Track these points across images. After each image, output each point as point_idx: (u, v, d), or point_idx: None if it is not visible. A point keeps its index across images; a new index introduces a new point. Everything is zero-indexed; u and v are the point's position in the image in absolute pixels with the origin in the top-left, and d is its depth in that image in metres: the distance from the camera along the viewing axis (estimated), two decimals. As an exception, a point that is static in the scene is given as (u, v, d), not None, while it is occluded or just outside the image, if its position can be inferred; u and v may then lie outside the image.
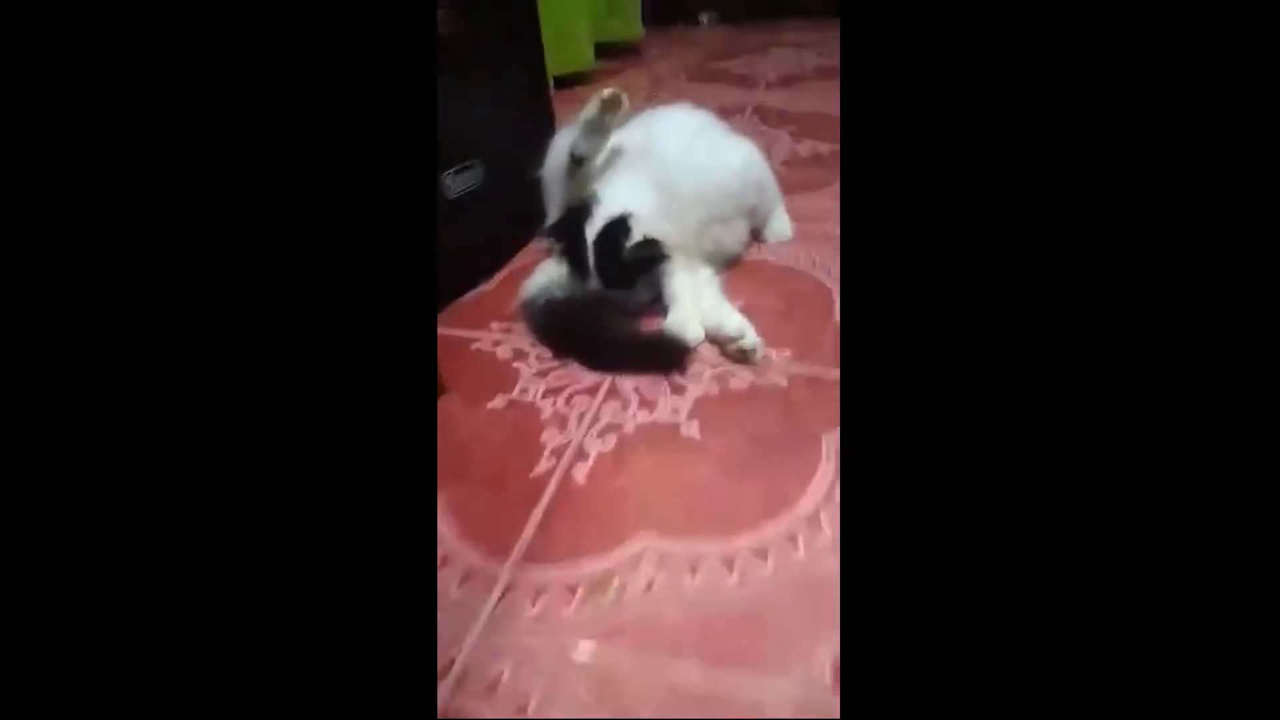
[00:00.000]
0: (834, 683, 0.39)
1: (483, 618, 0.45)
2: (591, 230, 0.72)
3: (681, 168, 0.77)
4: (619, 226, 0.72)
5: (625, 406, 0.62)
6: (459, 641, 0.43)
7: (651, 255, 0.72)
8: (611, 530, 0.50)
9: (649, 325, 0.72)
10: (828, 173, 1.07)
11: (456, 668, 0.42)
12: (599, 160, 0.77)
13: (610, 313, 0.73)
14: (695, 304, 0.71)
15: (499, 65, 0.81)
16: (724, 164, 0.80)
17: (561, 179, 0.78)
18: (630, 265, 0.72)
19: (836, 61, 1.70)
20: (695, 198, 0.76)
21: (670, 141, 0.80)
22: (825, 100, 1.43)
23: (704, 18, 2.44)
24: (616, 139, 0.78)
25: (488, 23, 0.78)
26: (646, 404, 0.62)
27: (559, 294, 0.74)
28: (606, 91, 0.71)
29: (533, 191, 0.84)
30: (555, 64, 1.36)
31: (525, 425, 0.61)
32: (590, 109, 0.72)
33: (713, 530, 0.49)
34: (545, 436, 0.59)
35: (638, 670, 0.41)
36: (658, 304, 0.74)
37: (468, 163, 0.78)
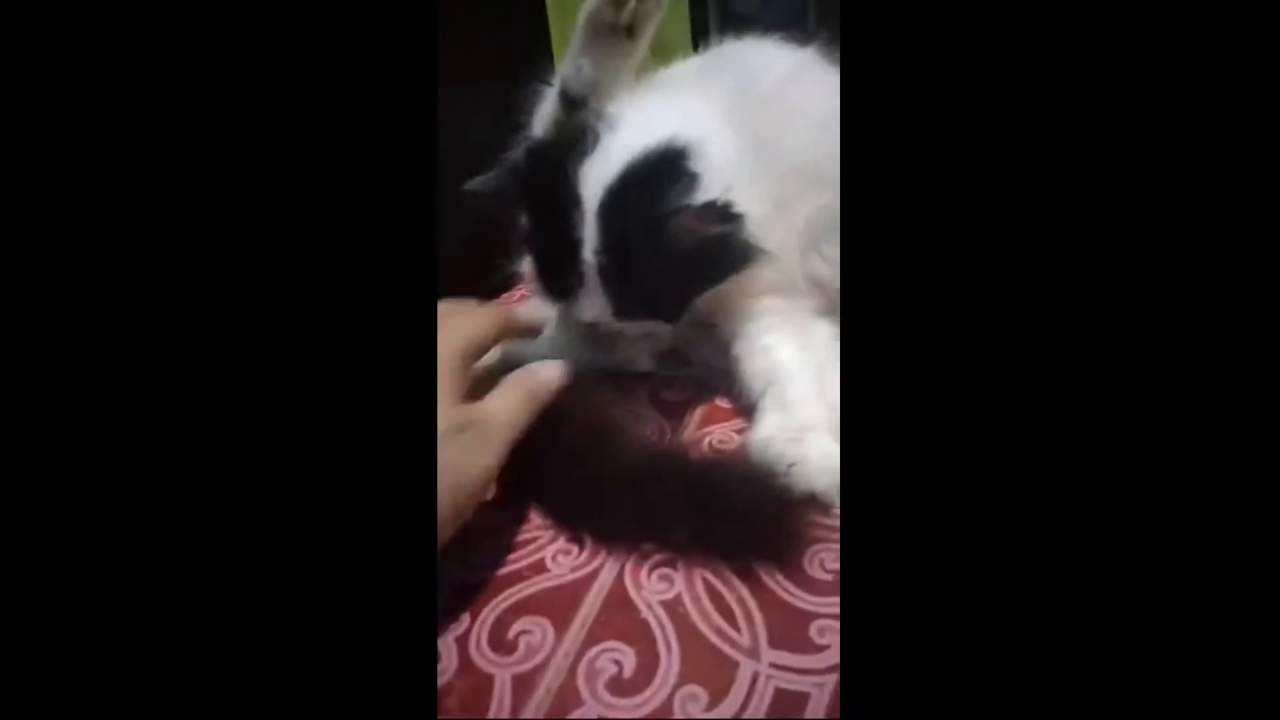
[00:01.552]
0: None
1: None
2: (595, 177, 0.39)
3: (790, 105, 0.45)
4: (662, 169, 0.39)
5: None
6: None
7: (736, 244, 0.39)
8: None
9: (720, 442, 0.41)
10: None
11: None
12: (612, 104, 0.44)
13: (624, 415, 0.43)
14: (819, 402, 0.39)
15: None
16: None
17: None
18: (686, 259, 0.39)
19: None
20: (812, 167, 0.43)
21: (770, 63, 0.47)
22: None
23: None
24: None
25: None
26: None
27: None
28: None
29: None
30: None
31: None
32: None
33: None
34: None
35: None
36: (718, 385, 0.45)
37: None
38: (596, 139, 0.41)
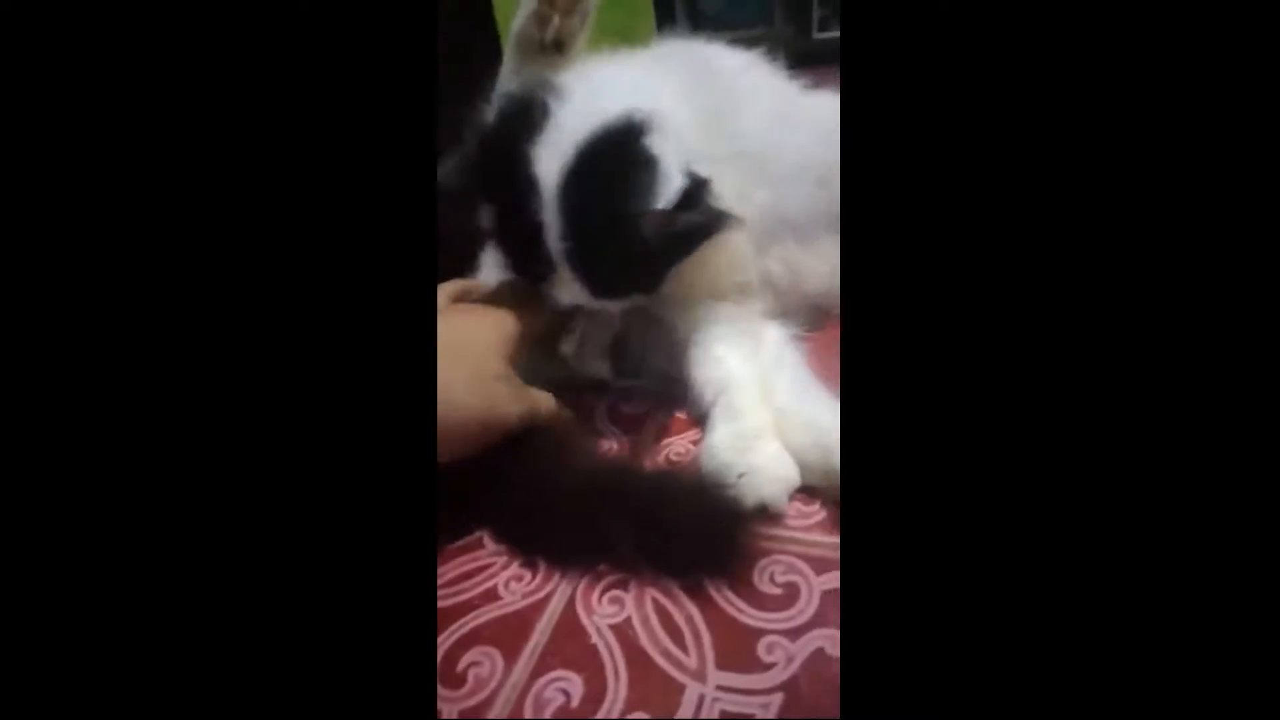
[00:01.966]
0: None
1: None
2: (549, 156, 0.38)
3: (745, 91, 0.46)
4: (620, 150, 0.37)
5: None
6: None
7: (707, 214, 0.38)
8: None
9: (652, 454, 0.42)
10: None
11: None
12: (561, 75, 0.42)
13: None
14: (766, 407, 0.38)
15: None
16: (817, 121, 0.47)
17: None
18: (663, 237, 0.38)
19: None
20: (766, 157, 0.44)
21: (722, 55, 0.48)
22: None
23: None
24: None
25: None
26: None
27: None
28: None
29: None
30: None
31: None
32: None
33: None
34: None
35: None
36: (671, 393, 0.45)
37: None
38: (546, 112, 0.39)
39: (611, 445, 0.46)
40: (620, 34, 0.48)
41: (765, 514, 0.36)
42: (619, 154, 0.38)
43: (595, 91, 0.40)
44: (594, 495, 0.37)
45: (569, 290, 0.40)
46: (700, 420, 0.43)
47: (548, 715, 0.29)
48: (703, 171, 0.38)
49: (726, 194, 0.40)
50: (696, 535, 0.34)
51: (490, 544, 0.39)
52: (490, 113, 0.44)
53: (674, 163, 0.38)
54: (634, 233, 0.37)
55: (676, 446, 0.45)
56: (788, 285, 0.47)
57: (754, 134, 0.44)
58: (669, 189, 0.37)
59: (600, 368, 0.49)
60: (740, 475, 0.36)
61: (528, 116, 0.39)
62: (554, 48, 0.41)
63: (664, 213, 0.37)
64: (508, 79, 0.43)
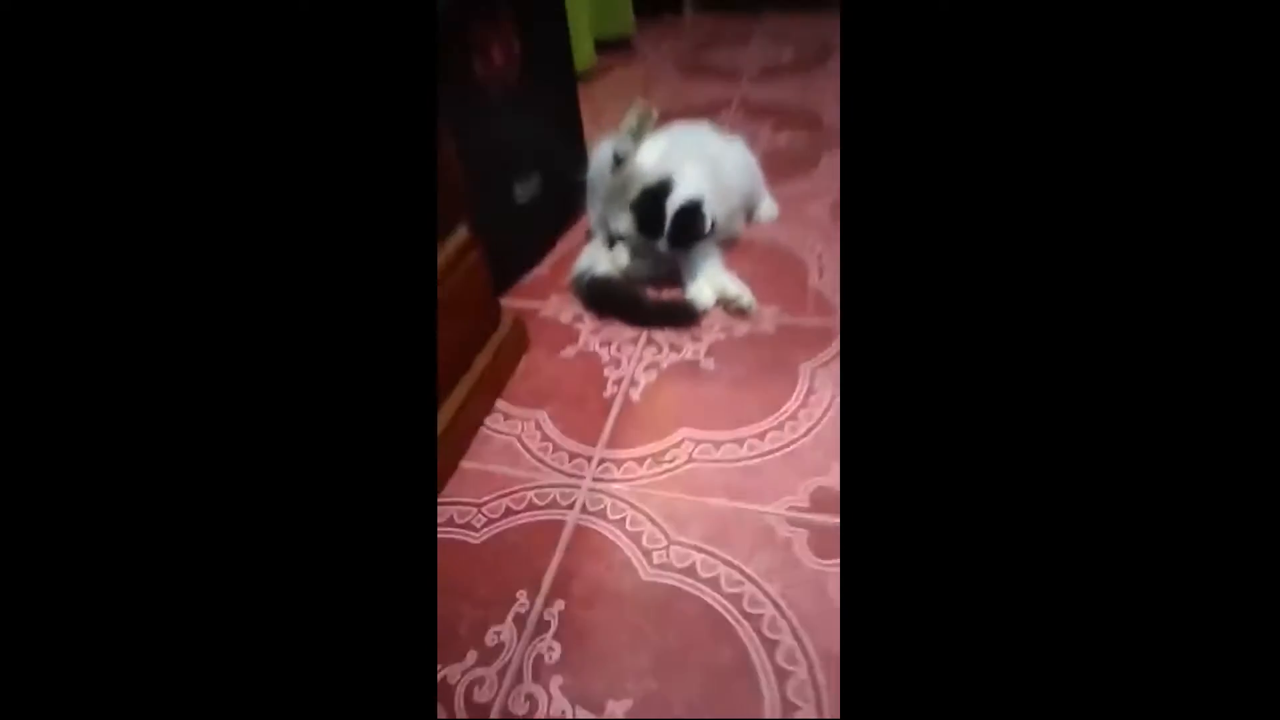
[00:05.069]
0: (809, 505, 0.65)
1: (589, 478, 0.71)
2: (672, 204, 0.91)
3: (728, 165, 1.02)
4: (695, 209, 0.92)
5: (660, 350, 0.87)
6: (576, 490, 0.69)
7: (711, 231, 0.94)
8: (661, 428, 0.76)
9: (671, 293, 0.97)
10: (804, 162, 1.31)
11: (578, 505, 0.68)
12: (635, 158, 0.99)
13: (641, 288, 0.98)
14: (706, 275, 0.96)
15: (546, 90, 1.04)
16: (745, 163, 1.06)
17: (604, 176, 1.00)
18: (698, 237, 0.94)
19: (809, 53, 1.92)
20: (734, 188, 1.02)
21: (715, 144, 1.05)
22: (801, 93, 1.65)
23: (688, 7, 2.63)
24: (665, 142, 1.00)
25: (541, 57, 1.00)
26: (675, 348, 0.87)
27: (600, 273, 0.99)
28: (640, 106, 0.95)
29: (571, 191, 1.08)
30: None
31: (592, 366, 0.86)
32: (629, 120, 0.96)
33: (727, 424, 0.75)
34: (607, 372, 0.85)
35: (686, 502, 0.67)
36: (677, 276, 0.99)
37: (529, 173, 1.02)
38: (669, 190, 0.93)
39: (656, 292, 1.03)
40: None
41: (705, 309, 0.93)
42: (693, 210, 0.91)
43: (684, 183, 0.93)
44: (652, 307, 0.94)
45: (664, 244, 0.94)
46: (683, 282, 1.00)
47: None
48: (698, 196, 0.92)
49: (711, 203, 0.94)
50: (684, 313, 0.92)
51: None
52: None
53: (683, 193, 0.92)
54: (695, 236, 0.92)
55: (677, 292, 1.02)
56: (728, 230, 1.06)
57: (736, 186, 1.01)
58: (680, 201, 0.92)
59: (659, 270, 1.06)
60: (696, 296, 0.95)
61: (664, 189, 0.92)
62: (636, 138, 0.98)
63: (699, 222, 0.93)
64: (616, 142, 0.99)
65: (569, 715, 0.53)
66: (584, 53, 1.93)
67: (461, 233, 0.75)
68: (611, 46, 2.22)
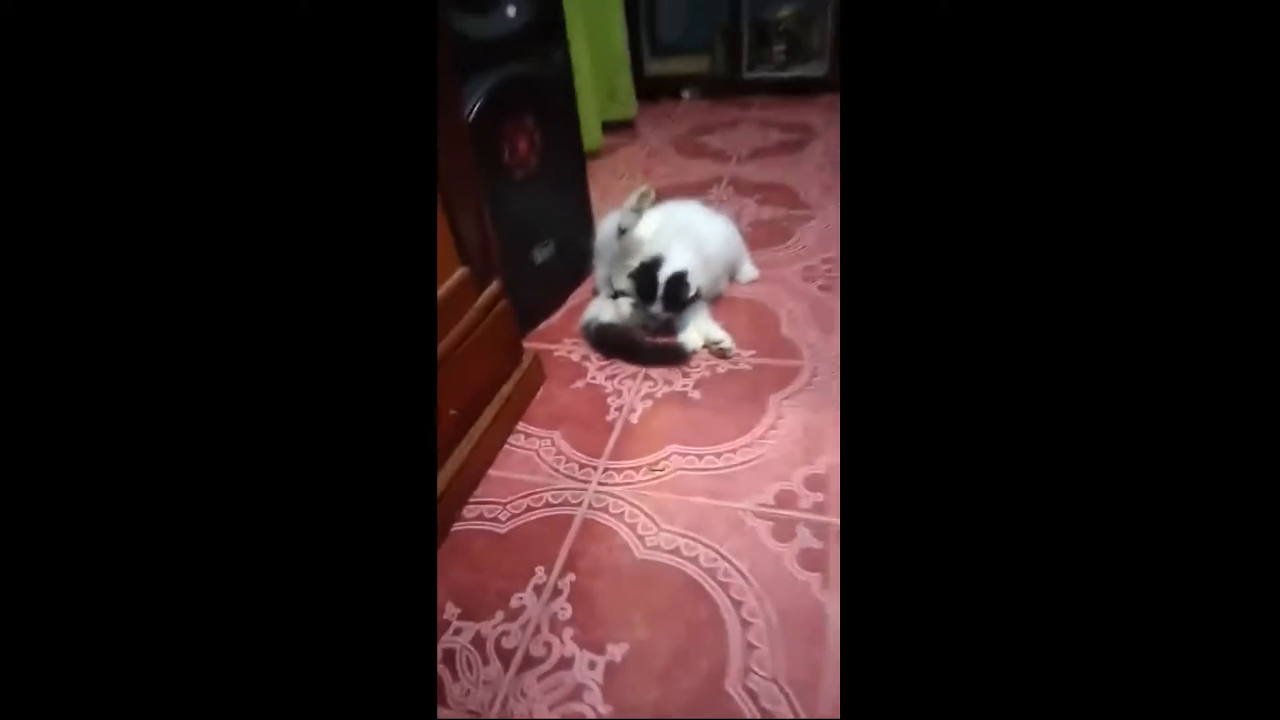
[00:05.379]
0: (773, 503, 0.81)
1: (594, 483, 0.87)
2: (663, 277, 1.10)
3: (712, 240, 1.21)
4: (680, 279, 1.10)
5: (655, 384, 1.04)
6: (584, 492, 0.85)
7: (695, 297, 1.13)
8: (654, 444, 0.93)
9: (665, 339, 1.15)
10: (782, 232, 1.52)
11: (585, 503, 0.84)
12: (635, 230, 1.19)
13: (640, 333, 1.16)
14: (695, 325, 1.15)
15: (560, 172, 1.25)
16: (728, 236, 1.26)
17: (609, 243, 1.21)
18: (685, 303, 1.12)
19: (793, 137, 2.17)
20: (716, 258, 1.21)
21: (701, 222, 1.25)
22: (784, 173, 1.89)
23: (685, 94, 2.93)
24: (660, 217, 1.21)
25: (556, 145, 1.20)
26: (667, 382, 1.04)
27: (604, 321, 1.17)
28: (642, 187, 1.16)
29: (582, 255, 1.28)
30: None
31: (597, 396, 1.04)
32: (632, 200, 1.16)
33: (709, 441, 0.92)
34: (610, 401, 1.02)
35: (674, 500, 0.83)
36: (671, 325, 1.17)
37: (546, 240, 1.22)
38: (661, 264, 1.10)
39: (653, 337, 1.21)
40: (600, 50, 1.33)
41: (693, 351, 1.12)
42: (680, 280, 1.09)
43: (672, 258, 1.11)
44: (649, 349, 1.12)
45: (658, 307, 1.11)
46: (676, 331, 1.19)
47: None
48: (684, 269, 1.12)
49: (695, 274, 1.15)
50: (676, 355, 1.10)
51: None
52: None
53: (671, 267, 1.11)
54: (683, 302, 1.10)
55: (670, 338, 1.21)
56: (713, 291, 1.25)
57: (717, 256, 1.21)
58: (669, 273, 1.12)
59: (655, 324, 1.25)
60: (687, 341, 1.13)
61: (657, 263, 1.10)
62: (636, 213, 1.19)
63: (687, 292, 1.12)
64: (620, 215, 1.20)
65: (577, 656, 0.67)
66: (593, 135, 2.19)
67: (494, 286, 0.94)
68: (617, 128, 2.49)
